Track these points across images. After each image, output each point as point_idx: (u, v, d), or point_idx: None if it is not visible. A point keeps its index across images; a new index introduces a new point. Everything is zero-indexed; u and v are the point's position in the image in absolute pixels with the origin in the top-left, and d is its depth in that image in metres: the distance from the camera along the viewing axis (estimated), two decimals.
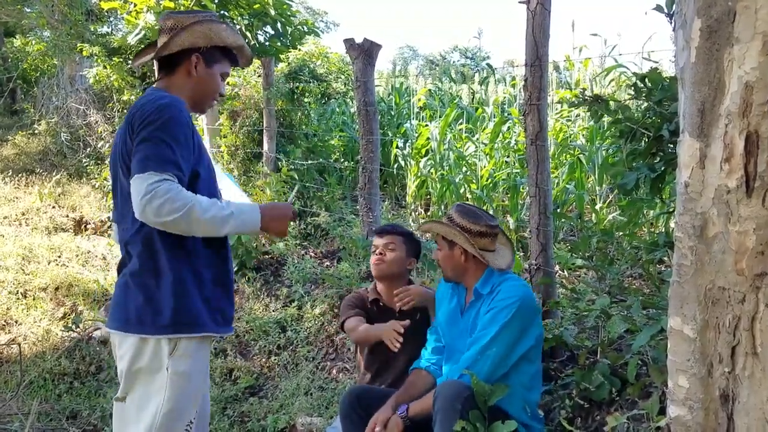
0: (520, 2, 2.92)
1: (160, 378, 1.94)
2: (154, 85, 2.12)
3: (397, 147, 7.27)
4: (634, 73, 2.49)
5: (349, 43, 4.52)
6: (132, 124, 1.91)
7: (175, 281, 1.93)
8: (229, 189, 2.64)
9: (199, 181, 1.99)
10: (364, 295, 3.00)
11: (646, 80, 2.28)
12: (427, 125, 7.09)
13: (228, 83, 6.76)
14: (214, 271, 2.04)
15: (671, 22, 2.11)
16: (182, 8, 6.05)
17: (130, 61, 8.13)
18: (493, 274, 2.51)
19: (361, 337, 2.80)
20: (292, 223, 2.06)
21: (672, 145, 2.25)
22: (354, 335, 2.82)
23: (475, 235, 2.49)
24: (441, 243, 2.58)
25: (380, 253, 2.87)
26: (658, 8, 2.14)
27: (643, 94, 2.29)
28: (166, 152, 1.84)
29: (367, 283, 4.43)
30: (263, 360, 4.35)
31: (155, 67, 2.20)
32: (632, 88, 2.32)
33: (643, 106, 2.44)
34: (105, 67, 7.88)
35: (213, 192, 2.07)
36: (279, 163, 6.11)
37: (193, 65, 2.06)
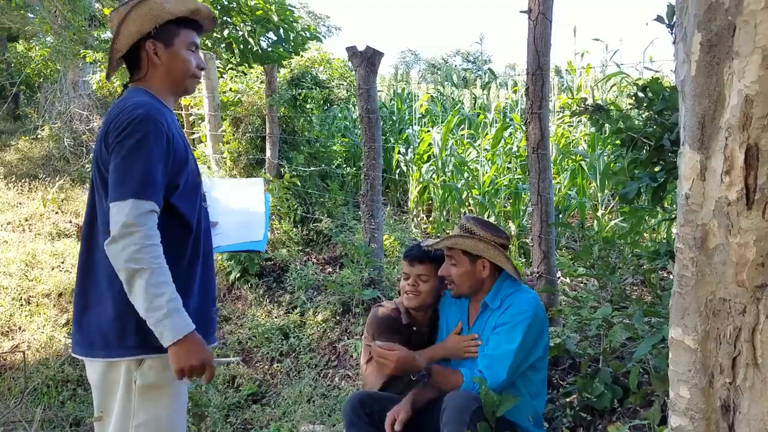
0: (521, 12, 2.93)
1: (128, 393, 1.86)
2: (131, 85, 1.96)
3: (399, 153, 7.29)
4: (635, 83, 2.51)
5: (352, 51, 4.53)
6: (108, 134, 1.79)
7: None
8: (244, 205, 2.46)
9: (176, 193, 1.87)
10: (396, 315, 2.74)
11: (647, 90, 2.29)
12: (429, 131, 7.11)
13: (231, 89, 6.77)
14: (180, 287, 1.83)
15: (672, 33, 2.12)
16: None
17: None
18: (502, 286, 2.46)
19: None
20: (197, 377, 1.83)
21: (673, 155, 2.26)
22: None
23: (503, 248, 2.45)
24: (459, 258, 2.45)
25: (413, 284, 2.65)
26: (659, 19, 2.15)
27: (644, 104, 2.30)
28: (146, 173, 1.73)
29: (369, 291, 4.44)
30: (266, 367, 4.35)
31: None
32: (633, 97, 2.33)
33: (644, 116, 2.45)
34: None
35: (193, 203, 1.95)
36: (281, 169, 6.12)
37: (153, 52, 1.89)
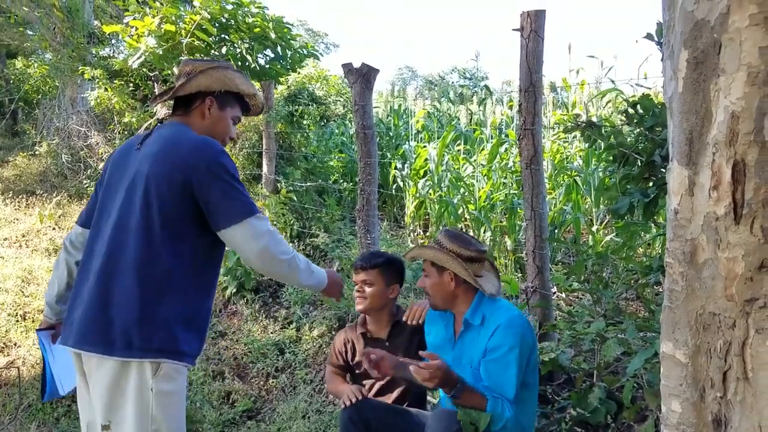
0: (514, 30, 2.96)
1: (145, 399, 1.95)
2: (172, 119, 2.22)
3: (395, 168, 7.31)
4: (626, 100, 2.53)
5: (348, 67, 4.56)
6: (194, 167, 1.99)
7: (172, 307, 1.98)
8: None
9: None
10: (352, 331, 2.96)
11: (638, 106, 2.31)
12: (425, 147, 7.14)
13: None
14: (206, 303, 2.12)
15: (661, 51, 2.14)
16: (183, 32, 6.11)
17: (131, 84, 8.21)
18: (482, 301, 2.44)
19: (330, 392, 3.03)
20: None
21: (664, 170, 2.28)
22: (327, 385, 3.02)
23: (466, 260, 2.41)
24: (429, 269, 2.48)
25: (359, 290, 2.81)
26: (649, 36, 2.18)
27: (635, 120, 2.32)
28: (247, 195, 2.06)
29: None
30: (261, 383, 4.33)
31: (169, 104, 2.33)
32: (624, 114, 2.36)
33: (635, 132, 2.47)
34: (106, 90, 7.95)
35: None
36: (278, 184, 6.14)
37: (207, 107, 2.20)
